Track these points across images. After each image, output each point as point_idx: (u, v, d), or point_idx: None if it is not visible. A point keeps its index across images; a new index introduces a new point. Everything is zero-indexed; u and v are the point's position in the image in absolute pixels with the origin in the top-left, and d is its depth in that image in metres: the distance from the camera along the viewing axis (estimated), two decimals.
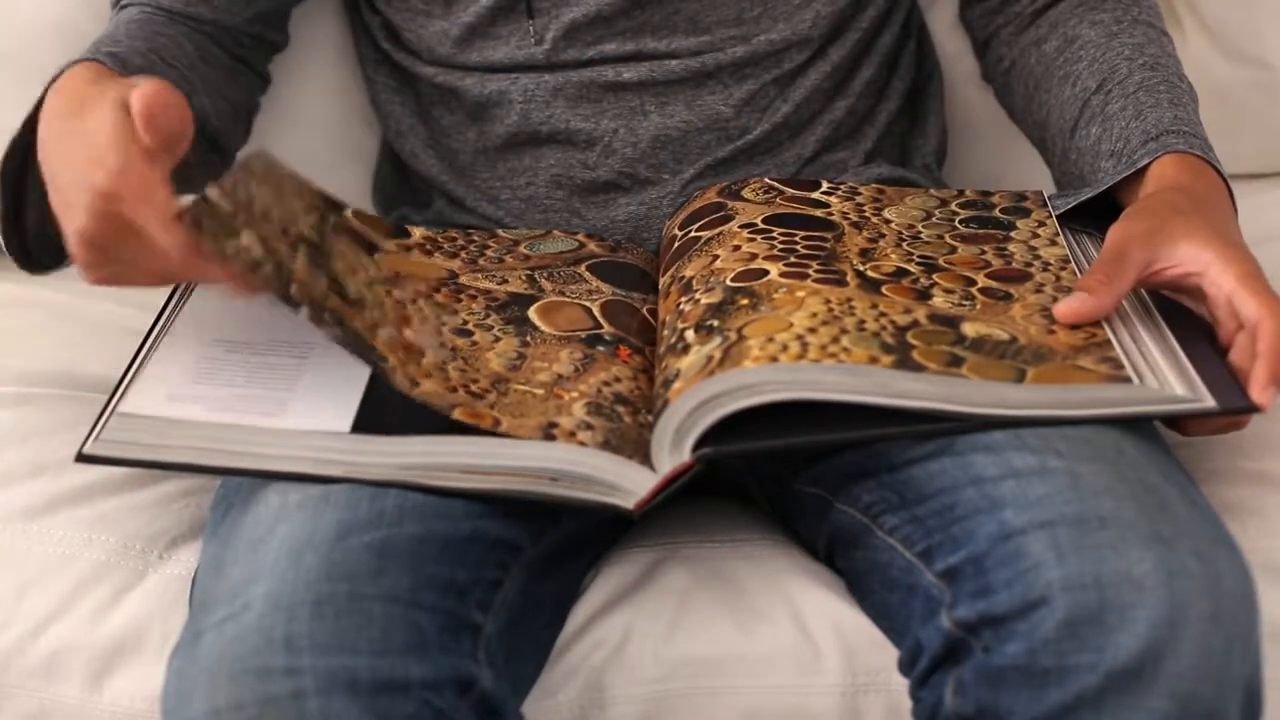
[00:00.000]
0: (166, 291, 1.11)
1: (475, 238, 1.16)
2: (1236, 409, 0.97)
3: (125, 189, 0.94)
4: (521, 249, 1.14)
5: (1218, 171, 1.11)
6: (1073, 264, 1.08)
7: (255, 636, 0.89)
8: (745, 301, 1.02)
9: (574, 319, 1.07)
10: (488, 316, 1.06)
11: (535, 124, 1.21)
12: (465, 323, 1.05)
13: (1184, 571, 0.90)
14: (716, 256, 1.08)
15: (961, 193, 1.17)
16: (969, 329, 1.00)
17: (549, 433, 0.97)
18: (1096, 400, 0.96)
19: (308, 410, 0.99)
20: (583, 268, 1.12)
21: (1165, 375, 0.98)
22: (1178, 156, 1.11)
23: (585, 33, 1.19)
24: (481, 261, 1.12)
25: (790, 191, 1.16)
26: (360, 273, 1.03)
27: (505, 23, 1.20)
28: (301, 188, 1.04)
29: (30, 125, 1.06)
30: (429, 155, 1.27)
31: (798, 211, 1.13)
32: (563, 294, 1.09)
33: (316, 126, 1.38)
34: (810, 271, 1.05)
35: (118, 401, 1.00)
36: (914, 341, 0.98)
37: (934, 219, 1.13)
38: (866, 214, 1.13)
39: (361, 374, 1.01)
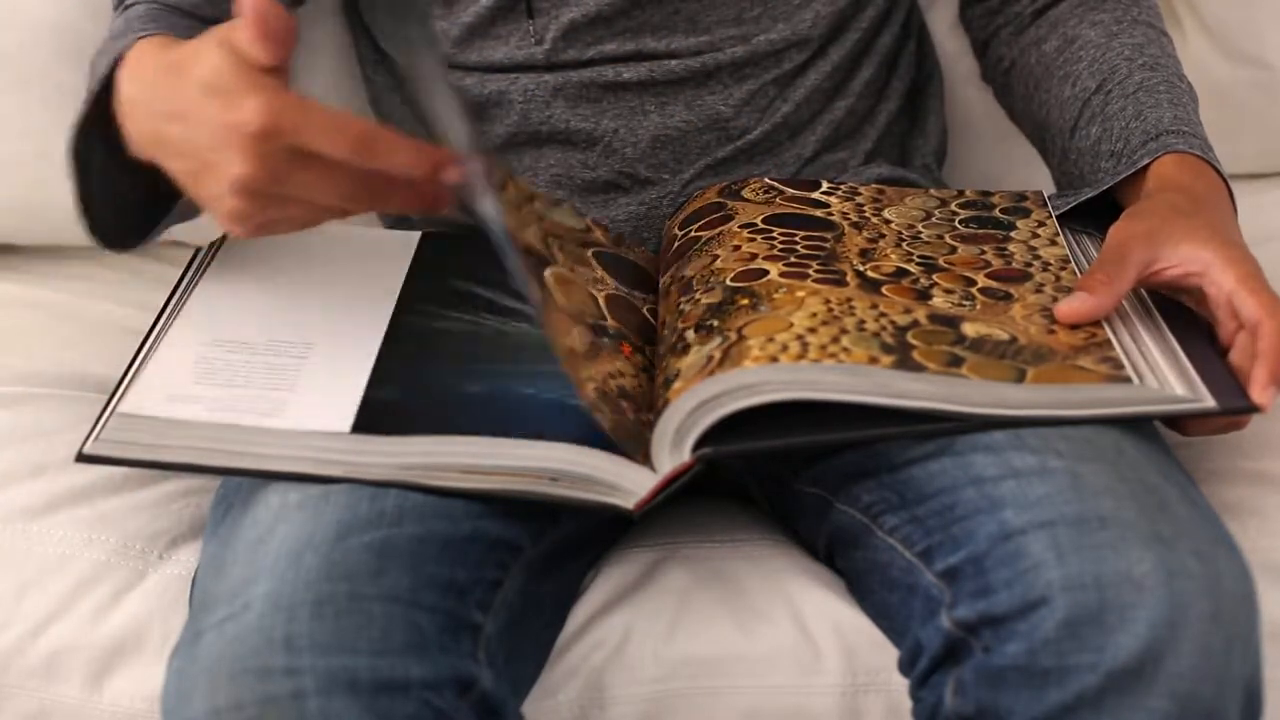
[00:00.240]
0: (166, 292, 1.11)
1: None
2: (1236, 409, 0.97)
3: (278, 119, 0.90)
4: (537, 206, 1.13)
5: (1218, 172, 1.11)
6: (1073, 264, 1.08)
7: (255, 636, 0.89)
8: (745, 301, 1.02)
9: (583, 301, 1.06)
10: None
11: (535, 124, 1.21)
12: None
13: (1184, 571, 0.90)
14: (716, 256, 1.08)
15: (961, 193, 1.17)
16: (969, 329, 1.00)
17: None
18: (1096, 400, 0.96)
19: (308, 410, 0.99)
20: (590, 253, 1.12)
21: (1165, 375, 0.98)
22: (1178, 157, 1.11)
23: (585, 33, 1.19)
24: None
25: (790, 191, 1.16)
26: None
27: (505, 23, 1.20)
28: None
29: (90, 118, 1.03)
30: None
31: (798, 211, 1.13)
32: (573, 271, 1.08)
33: None
34: (810, 271, 1.05)
35: (118, 401, 1.00)
36: (914, 341, 0.98)
37: (934, 219, 1.13)
38: (866, 214, 1.13)
39: (362, 373, 1.01)
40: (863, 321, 1.00)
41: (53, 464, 1.14)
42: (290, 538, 0.93)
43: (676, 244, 1.13)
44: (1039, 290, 1.05)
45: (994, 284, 1.05)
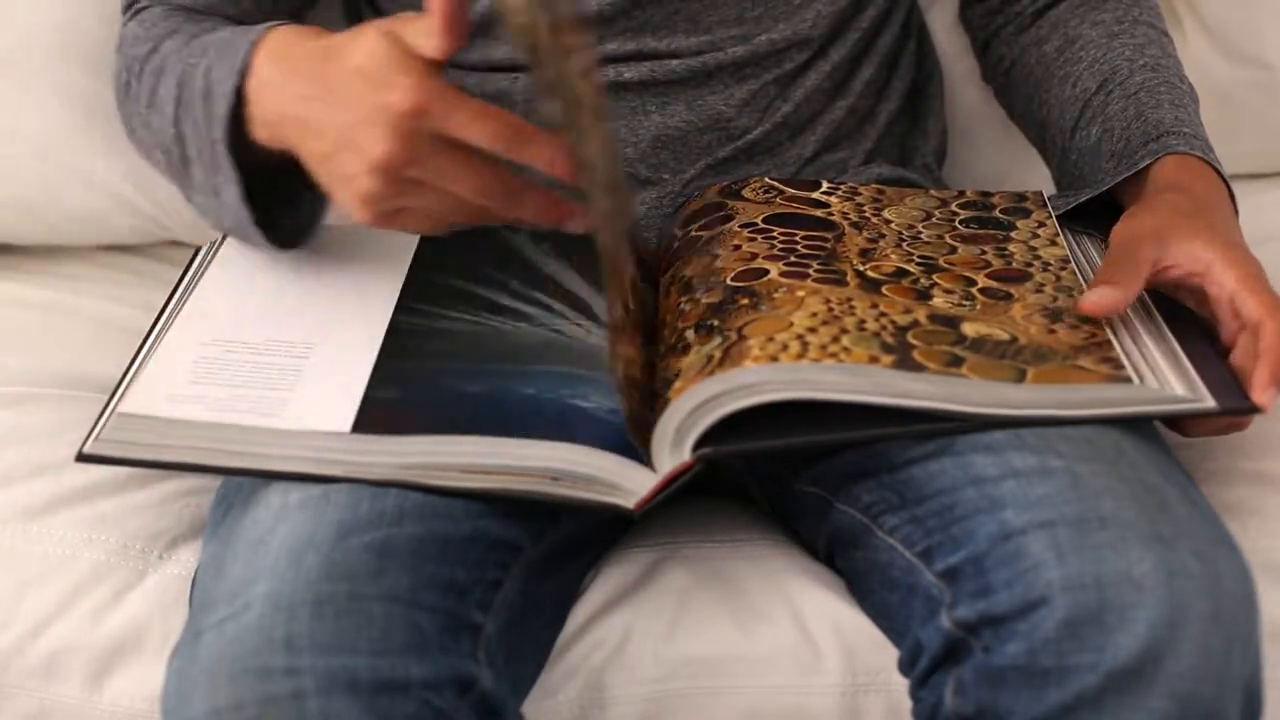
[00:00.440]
0: (166, 292, 1.11)
1: None
2: (1237, 409, 0.97)
3: (429, 101, 0.92)
4: None
5: (1218, 173, 1.11)
6: (1073, 264, 1.08)
7: (255, 636, 0.89)
8: (745, 301, 1.02)
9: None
10: None
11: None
12: None
13: (1184, 571, 0.90)
14: (717, 256, 1.08)
15: (961, 193, 1.17)
16: (969, 329, 1.00)
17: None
18: (1097, 400, 0.96)
19: (308, 410, 0.99)
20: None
21: (1165, 375, 0.98)
22: (1178, 158, 1.11)
23: None
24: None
25: (790, 191, 1.16)
26: None
27: None
28: None
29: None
30: None
31: (798, 211, 1.13)
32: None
33: None
34: (810, 271, 1.05)
35: (118, 401, 1.00)
36: (914, 341, 0.98)
37: (934, 219, 1.13)
38: (866, 214, 1.13)
39: (362, 373, 1.01)
40: (863, 321, 1.00)
41: (53, 464, 1.14)
42: (290, 537, 0.93)
43: (677, 244, 1.13)
44: (1039, 290, 1.05)
45: (994, 284, 1.05)
